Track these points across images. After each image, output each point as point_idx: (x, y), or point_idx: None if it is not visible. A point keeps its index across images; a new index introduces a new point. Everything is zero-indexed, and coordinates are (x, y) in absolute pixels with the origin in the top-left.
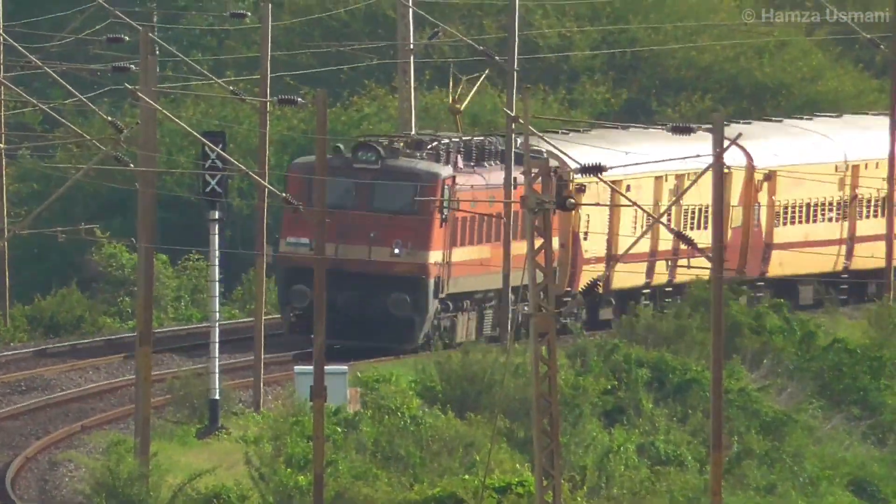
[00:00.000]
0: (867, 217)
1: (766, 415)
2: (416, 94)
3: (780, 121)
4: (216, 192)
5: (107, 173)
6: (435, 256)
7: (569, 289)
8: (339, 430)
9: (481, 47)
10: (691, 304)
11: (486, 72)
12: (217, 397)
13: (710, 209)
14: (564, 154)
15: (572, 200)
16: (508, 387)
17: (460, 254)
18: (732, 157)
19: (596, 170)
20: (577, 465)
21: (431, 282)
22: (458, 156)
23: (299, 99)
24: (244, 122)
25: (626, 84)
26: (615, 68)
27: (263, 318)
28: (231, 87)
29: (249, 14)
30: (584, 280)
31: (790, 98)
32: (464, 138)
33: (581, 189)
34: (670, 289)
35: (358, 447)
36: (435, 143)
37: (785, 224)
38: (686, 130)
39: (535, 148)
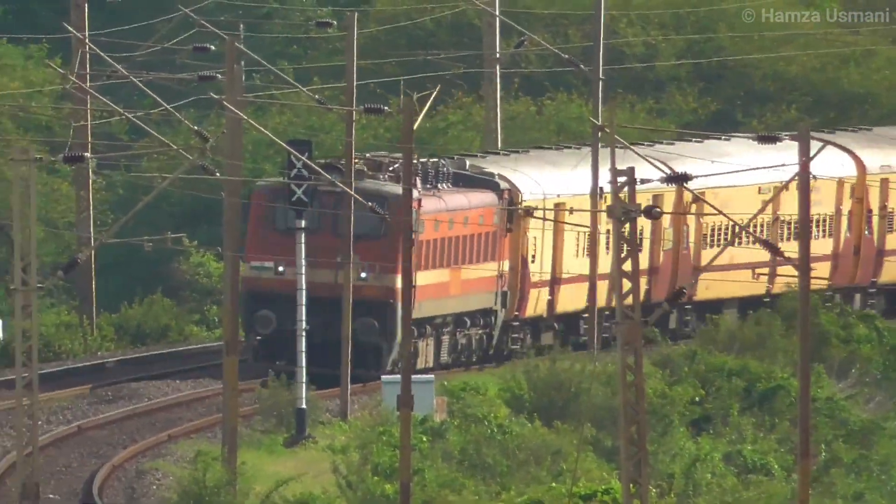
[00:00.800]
0: None
1: (853, 423)
2: (502, 103)
3: (870, 129)
4: (302, 202)
5: (193, 182)
6: (400, 280)
7: (517, 313)
8: (426, 438)
9: (567, 56)
10: (783, 315)
11: (438, 88)
12: (304, 406)
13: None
14: (507, 179)
15: (658, 210)
16: (595, 395)
17: (423, 278)
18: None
19: (681, 179)
20: (664, 474)
21: (399, 306)
22: (417, 178)
23: (385, 108)
24: (330, 131)
25: (712, 94)
26: (701, 78)
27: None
28: (317, 96)
29: (335, 23)
30: (532, 304)
31: (877, 107)
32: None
33: (529, 212)
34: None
35: (444, 456)
36: (396, 166)
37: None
38: (771, 140)
39: (487, 171)
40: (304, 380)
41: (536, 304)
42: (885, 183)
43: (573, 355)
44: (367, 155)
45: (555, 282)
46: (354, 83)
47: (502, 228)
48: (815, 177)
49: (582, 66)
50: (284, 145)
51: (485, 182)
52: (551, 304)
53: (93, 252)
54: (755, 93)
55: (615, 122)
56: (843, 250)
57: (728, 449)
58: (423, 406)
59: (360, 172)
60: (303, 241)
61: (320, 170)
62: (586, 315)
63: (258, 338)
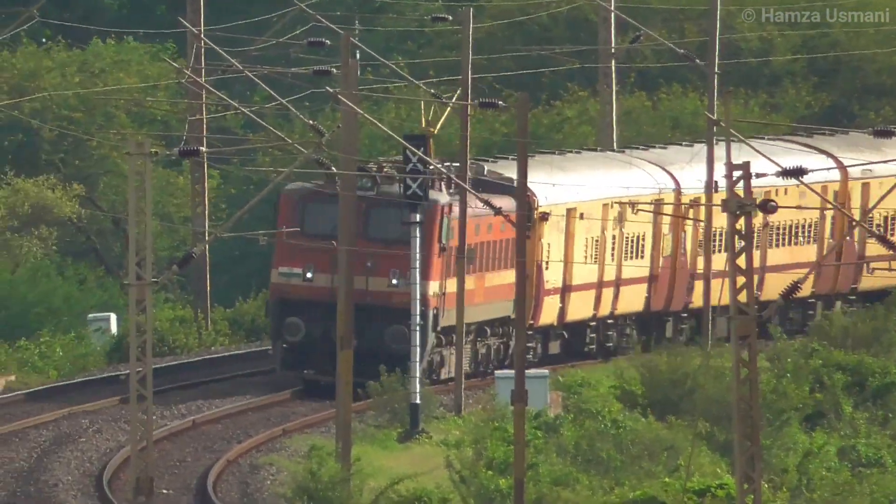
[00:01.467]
0: None
1: None
2: (617, 98)
3: None
4: (417, 195)
5: (307, 176)
6: (434, 287)
7: (532, 321)
8: (540, 433)
9: (682, 51)
10: (887, 306)
11: (458, 92)
12: (418, 401)
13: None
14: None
15: (773, 203)
16: (709, 390)
17: (452, 285)
18: None
19: (797, 173)
20: (777, 468)
21: (431, 313)
22: (442, 183)
23: (500, 102)
24: (446, 126)
25: (827, 88)
26: (816, 72)
27: (464, 321)
28: (432, 91)
29: (450, 18)
30: (546, 312)
31: None
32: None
33: (545, 217)
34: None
35: (558, 451)
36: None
37: None
38: (887, 134)
39: (506, 176)
40: (417, 374)
41: (550, 312)
42: None
43: (685, 350)
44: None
45: (566, 289)
46: (469, 78)
47: None
48: None
49: (697, 60)
50: (400, 139)
51: (504, 188)
52: (562, 312)
53: (207, 247)
54: (871, 87)
55: (731, 117)
56: None
57: (842, 444)
58: (537, 401)
59: (391, 177)
60: (417, 234)
61: (435, 164)
62: (593, 323)
63: (284, 346)
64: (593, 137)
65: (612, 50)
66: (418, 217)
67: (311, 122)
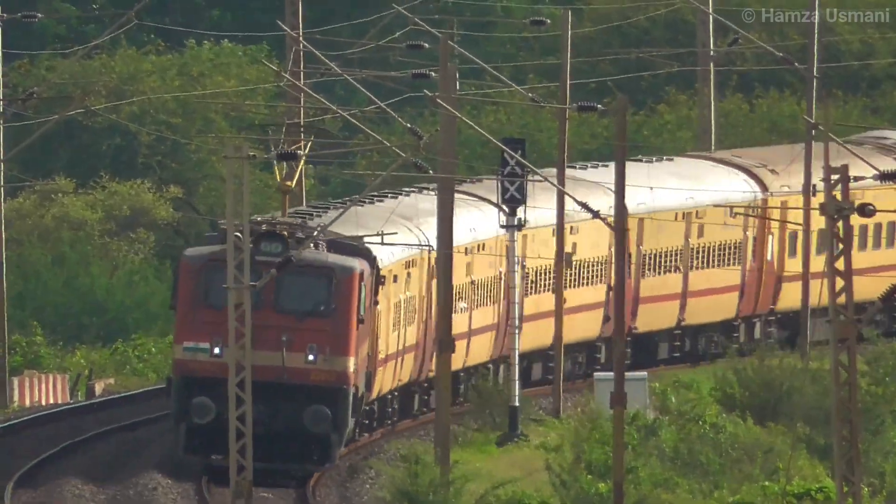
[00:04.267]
0: None
1: None
2: (716, 102)
3: None
4: (515, 199)
5: (406, 180)
6: (352, 364)
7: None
8: (637, 436)
9: (781, 54)
10: None
11: (312, 139)
12: (517, 404)
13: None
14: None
15: (872, 207)
16: (808, 394)
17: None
18: None
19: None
20: (876, 472)
21: (351, 392)
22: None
23: (599, 105)
24: (544, 130)
25: None
26: None
27: (563, 324)
28: (530, 94)
29: (549, 21)
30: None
31: None
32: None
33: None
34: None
35: (658, 454)
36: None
37: None
38: None
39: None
40: (516, 377)
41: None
42: None
43: (782, 354)
44: (257, 217)
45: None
46: (568, 81)
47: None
48: None
49: (796, 64)
50: (498, 143)
51: (357, 250)
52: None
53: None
54: None
55: (831, 120)
56: None
57: None
58: (636, 403)
59: (302, 240)
60: (514, 238)
61: (533, 168)
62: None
63: (187, 428)
64: (693, 142)
65: (711, 53)
66: (516, 220)
67: (409, 125)
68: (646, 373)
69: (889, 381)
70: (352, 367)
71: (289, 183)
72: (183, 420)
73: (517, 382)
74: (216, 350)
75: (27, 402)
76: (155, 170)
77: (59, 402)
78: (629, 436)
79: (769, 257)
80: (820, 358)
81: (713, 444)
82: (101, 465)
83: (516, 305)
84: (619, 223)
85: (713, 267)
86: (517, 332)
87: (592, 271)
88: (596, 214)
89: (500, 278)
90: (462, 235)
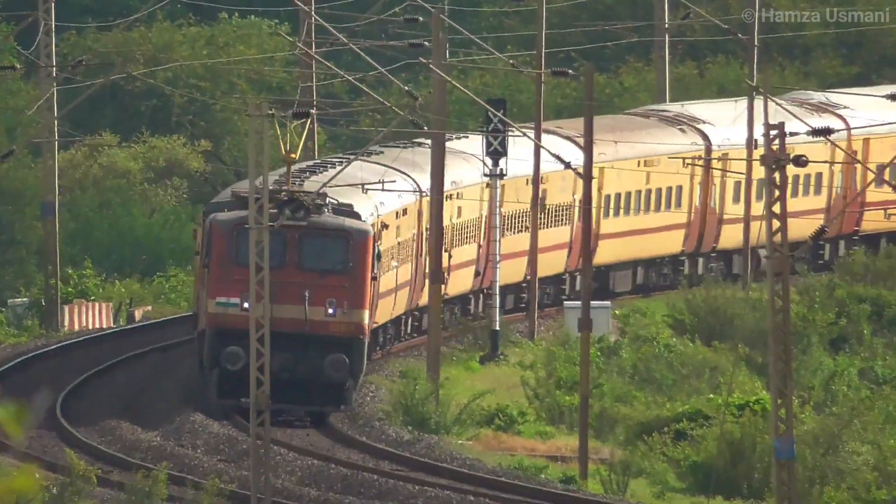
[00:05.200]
0: None
1: None
2: (670, 68)
3: None
4: (498, 151)
5: (404, 135)
6: (367, 316)
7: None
8: (601, 356)
9: (726, 27)
10: None
11: (314, 112)
12: (497, 328)
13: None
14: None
15: (804, 158)
16: (748, 319)
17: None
18: None
19: (824, 132)
20: (805, 386)
21: (366, 342)
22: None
23: (570, 71)
24: (524, 91)
25: (853, 58)
26: (843, 45)
27: (538, 261)
28: (511, 61)
29: None
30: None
31: None
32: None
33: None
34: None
35: (618, 371)
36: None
37: None
38: None
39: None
40: (497, 305)
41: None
42: None
43: (726, 284)
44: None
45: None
46: (543, 50)
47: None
48: None
49: (739, 34)
50: (483, 103)
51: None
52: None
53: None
54: (888, 58)
55: (769, 83)
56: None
57: (861, 365)
58: (601, 328)
59: (321, 206)
60: (497, 185)
61: (513, 124)
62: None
63: (219, 376)
64: (650, 102)
65: (666, 25)
66: (499, 169)
67: (406, 88)
68: (609, 302)
69: (817, 309)
70: (366, 320)
71: (293, 155)
72: (215, 367)
73: (498, 310)
74: (245, 304)
75: (76, 327)
76: (186, 127)
77: (104, 326)
78: (594, 356)
79: (712, 203)
80: (759, 289)
81: (666, 363)
82: (139, 380)
83: (497, 243)
84: (588, 171)
85: (663, 210)
86: (497, 266)
87: (560, 215)
88: (568, 165)
89: (481, 221)
90: (447, 185)
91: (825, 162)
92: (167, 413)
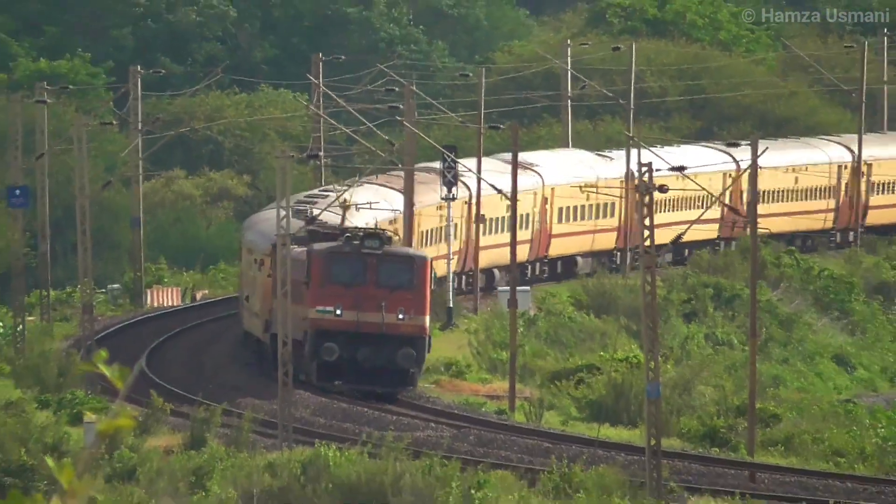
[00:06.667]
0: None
1: (782, 316)
2: (572, 123)
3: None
4: (451, 182)
5: (383, 169)
6: (427, 320)
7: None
8: (523, 324)
9: (611, 94)
10: (740, 251)
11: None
12: (451, 305)
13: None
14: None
15: (666, 186)
16: (626, 299)
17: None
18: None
19: (680, 169)
20: (667, 347)
21: (427, 339)
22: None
23: (501, 126)
24: (469, 139)
25: (702, 117)
26: (693, 107)
27: (480, 254)
28: (460, 119)
29: (471, 74)
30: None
31: (797, 127)
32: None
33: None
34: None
35: (536, 335)
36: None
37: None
38: (735, 145)
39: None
40: (451, 288)
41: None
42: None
43: (611, 275)
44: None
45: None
46: (482, 110)
47: None
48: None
49: (620, 100)
50: (440, 148)
51: (330, 236)
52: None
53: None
54: (727, 115)
55: (641, 135)
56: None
57: (706, 332)
58: (524, 305)
59: (390, 238)
60: (451, 206)
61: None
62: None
63: (318, 364)
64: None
65: (569, 94)
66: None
67: (386, 137)
68: (529, 287)
69: (674, 291)
70: (427, 323)
71: (348, 201)
72: (315, 359)
73: (452, 292)
74: (338, 312)
75: (155, 304)
76: (234, 164)
77: (174, 304)
78: (519, 325)
79: (612, 216)
80: (634, 278)
81: (570, 330)
82: (199, 342)
83: (448, 245)
84: (514, 195)
85: (576, 220)
86: (450, 260)
87: (527, 220)
88: (499, 191)
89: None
90: (417, 205)
91: (679, 189)
92: (218, 366)
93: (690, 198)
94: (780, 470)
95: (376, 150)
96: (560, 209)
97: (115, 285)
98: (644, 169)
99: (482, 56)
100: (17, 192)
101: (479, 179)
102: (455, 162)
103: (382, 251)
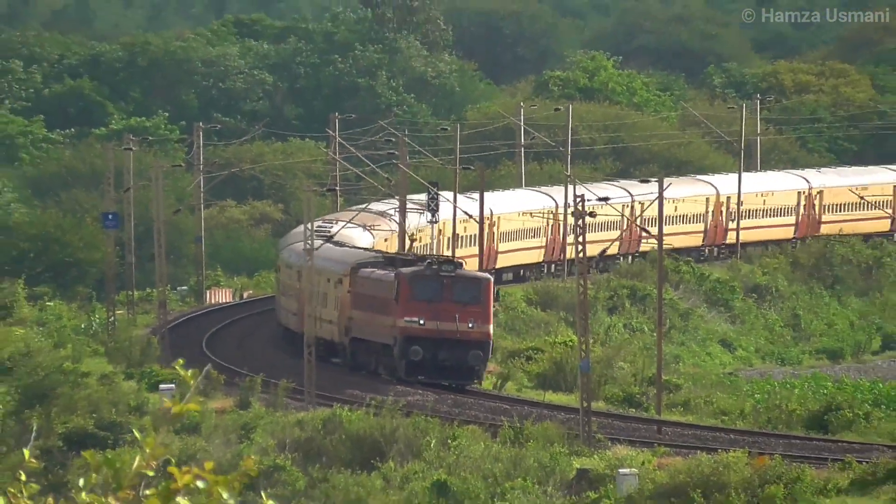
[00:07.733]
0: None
1: (681, 310)
2: (525, 166)
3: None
4: (433, 209)
5: (384, 200)
6: (491, 329)
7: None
8: None
9: (554, 143)
10: (649, 261)
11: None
12: None
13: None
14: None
15: (594, 212)
16: (563, 296)
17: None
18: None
19: (605, 199)
20: (596, 333)
21: (490, 343)
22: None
23: (471, 167)
24: (449, 176)
25: (622, 160)
26: (616, 152)
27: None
28: (440, 162)
29: (448, 128)
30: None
31: (692, 168)
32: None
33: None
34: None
35: (498, 325)
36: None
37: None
38: (647, 181)
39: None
40: None
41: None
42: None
43: (554, 279)
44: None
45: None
46: (458, 155)
47: None
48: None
49: (561, 148)
50: (426, 183)
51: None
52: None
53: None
54: (640, 159)
55: (575, 175)
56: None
57: (625, 321)
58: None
59: (460, 264)
60: (435, 227)
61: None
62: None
63: (407, 363)
64: (515, 186)
65: (522, 143)
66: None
67: (385, 175)
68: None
69: (601, 291)
70: (491, 330)
71: (414, 238)
72: (404, 358)
73: None
74: (421, 321)
75: (213, 301)
76: (272, 196)
77: (228, 301)
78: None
79: (552, 234)
80: (572, 281)
81: (522, 321)
82: (246, 329)
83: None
84: (481, 221)
85: (528, 238)
86: None
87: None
88: (471, 216)
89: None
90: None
91: (606, 214)
92: (259, 349)
93: (612, 221)
94: (680, 425)
95: (378, 185)
96: (503, 233)
97: (183, 287)
98: (578, 199)
99: (457, 115)
100: (110, 216)
101: (454, 207)
102: (437, 194)
103: (455, 274)
